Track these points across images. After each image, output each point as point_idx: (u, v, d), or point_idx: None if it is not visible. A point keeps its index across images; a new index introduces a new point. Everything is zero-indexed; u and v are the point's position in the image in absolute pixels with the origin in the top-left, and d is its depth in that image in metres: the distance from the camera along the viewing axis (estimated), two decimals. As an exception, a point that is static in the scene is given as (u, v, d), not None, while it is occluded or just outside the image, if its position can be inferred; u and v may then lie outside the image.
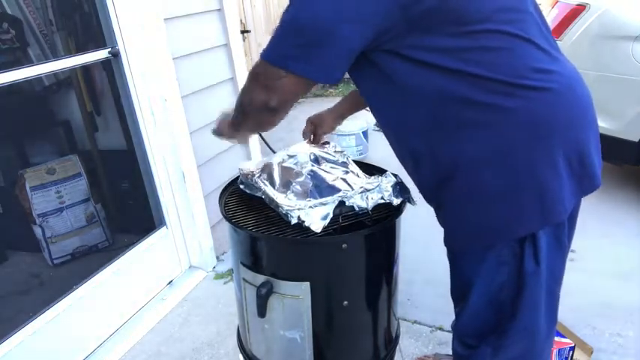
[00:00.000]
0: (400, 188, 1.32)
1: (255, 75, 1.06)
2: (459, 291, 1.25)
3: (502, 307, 1.17)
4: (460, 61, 0.97)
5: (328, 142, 1.56)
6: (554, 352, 1.65)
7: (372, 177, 1.36)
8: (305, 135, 1.58)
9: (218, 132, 1.40)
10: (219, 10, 2.52)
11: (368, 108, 1.24)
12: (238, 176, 1.49)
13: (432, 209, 1.33)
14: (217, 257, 2.65)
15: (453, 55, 0.97)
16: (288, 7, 0.99)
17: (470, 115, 1.01)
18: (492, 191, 1.05)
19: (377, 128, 4.64)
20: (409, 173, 1.22)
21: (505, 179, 1.04)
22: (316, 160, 1.37)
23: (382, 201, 1.28)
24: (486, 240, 1.11)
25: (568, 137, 1.05)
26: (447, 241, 1.19)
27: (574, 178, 1.07)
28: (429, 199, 1.20)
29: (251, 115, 1.12)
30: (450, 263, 1.26)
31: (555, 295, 1.22)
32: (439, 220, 1.21)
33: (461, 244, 1.16)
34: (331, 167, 1.37)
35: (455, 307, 1.33)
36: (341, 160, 1.43)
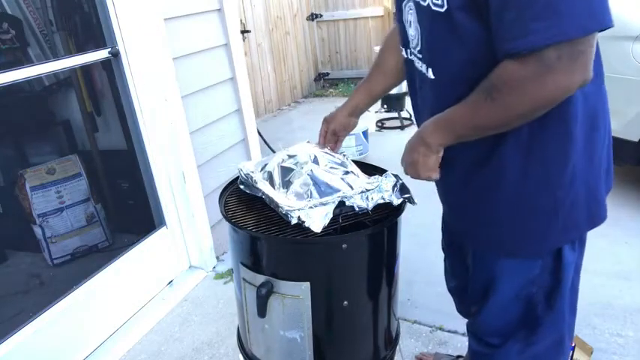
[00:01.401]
0: (400, 188, 1.32)
1: (561, 59, 0.80)
2: (481, 290, 1.22)
3: (531, 301, 1.15)
4: None
5: (331, 147, 1.49)
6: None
7: (372, 177, 1.36)
8: (320, 134, 1.51)
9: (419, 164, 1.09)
10: (219, 10, 2.52)
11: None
12: (238, 176, 1.49)
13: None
14: (217, 257, 2.65)
15: None
16: None
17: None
18: (556, 199, 1.02)
19: (377, 128, 4.64)
20: (456, 188, 1.14)
21: (567, 185, 1.02)
22: (316, 160, 1.37)
23: (382, 201, 1.28)
24: (542, 247, 1.08)
25: (608, 133, 1.07)
26: (486, 247, 1.16)
27: (605, 179, 1.10)
28: (466, 209, 1.16)
29: (542, 109, 0.88)
30: (472, 263, 1.23)
31: (576, 289, 1.21)
32: (467, 225, 1.19)
33: (509, 251, 1.12)
34: (331, 167, 1.37)
35: (471, 306, 1.31)
36: (341, 160, 1.43)
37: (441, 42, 0.97)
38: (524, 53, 0.81)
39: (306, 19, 6.31)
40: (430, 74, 1.04)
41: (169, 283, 2.48)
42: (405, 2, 1.06)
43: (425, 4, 0.95)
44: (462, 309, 1.53)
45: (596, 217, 1.09)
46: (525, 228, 1.07)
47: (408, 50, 1.13)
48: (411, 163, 1.10)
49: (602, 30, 0.81)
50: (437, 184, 1.24)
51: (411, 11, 1.04)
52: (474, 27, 0.89)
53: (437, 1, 0.92)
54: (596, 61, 0.96)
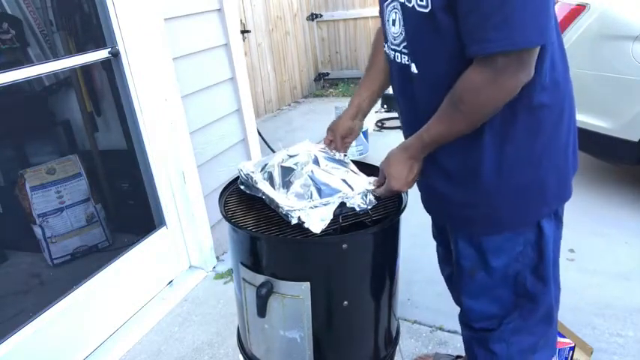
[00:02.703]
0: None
1: (507, 68, 0.96)
2: (467, 273, 1.25)
3: (519, 278, 1.21)
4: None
5: (342, 152, 1.46)
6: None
7: (372, 177, 1.36)
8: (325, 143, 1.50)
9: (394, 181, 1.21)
10: (219, 10, 2.52)
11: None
12: (238, 176, 1.49)
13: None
14: (217, 257, 2.65)
15: None
16: None
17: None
18: (529, 178, 1.13)
19: (377, 128, 4.64)
20: (447, 168, 1.19)
21: (536, 166, 1.12)
22: (316, 161, 1.37)
23: (382, 201, 1.28)
24: (518, 224, 1.17)
25: (573, 120, 1.18)
26: (467, 227, 1.21)
27: (572, 161, 1.21)
28: (446, 194, 1.21)
29: (500, 107, 1.02)
30: (457, 245, 1.25)
31: (557, 263, 1.27)
32: (447, 209, 1.24)
33: (490, 230, 1.18)
34: (331, 167, 1.37)
35: (458, 293, 1.33)
36: (341, 160, 1.43)
37: (425, 40, 1.06)
38: (480, 57, 0.96)
39: (306, 19, 6.31)
40: (414, 69, 1.12)
41: (169, 283, 2.48)
42: (387, 3, 1.15)
43: (410, 5, 1.03)
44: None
45: (563, 195, 1.20)
46: (502, 206, 1.15)
47: (391, 46, 1.18)
48: (404, 177, 1.20)
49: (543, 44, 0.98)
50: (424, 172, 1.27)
51: (395, 10, 1.11)
52: (454, 26, 0.98)
53: (421, 2, 1.01)
54: (562, 55, 1.11)
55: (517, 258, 1.19)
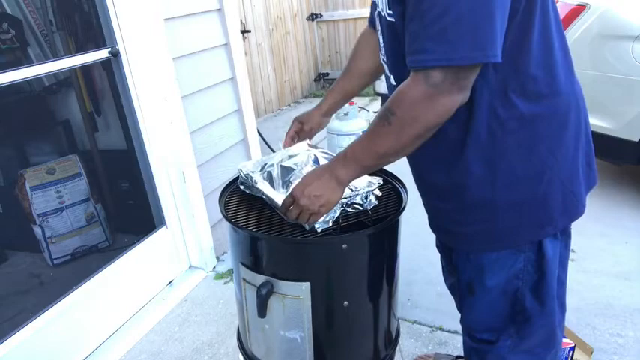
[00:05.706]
0: (399, 188, 1.32)
1: (442, 86, 0.88)
2: (466, 286, 1.23)
3: (517, 295, 1.17)
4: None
5: (308, 140, 1.51)
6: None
7: (372, 177, 1.36)
8: (287, 135, 1.50)
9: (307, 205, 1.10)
10: (219, 10, 2.52)
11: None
12: (238, 176, 1.49)
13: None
14: (217, 257, 2.65)
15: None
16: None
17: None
18: (528, 194, 1.06)
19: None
20: (438, 178, 1.14)
21: (536, 181, 1.05)
22: (316, 161, 1.37)
23: (382, 201, 1.28)
24: (517, 243, 1.11)
25: (584, 129, 1.12)
26: (464, 243, 1.17)
27: (586, 175, 1.13)
28: (439, 211, 1.19)
29: (431, 129, 0.95)
30: (456, 260, 1.24)
31: (563, 282, 1.23)
32: (443, 225, 1.22)
33: (488, 247, 1.13)
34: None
35: (460, 302, 1.32)
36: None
37: (396, 50, 1.02)
38: (416, 70, 0.89)
39: (306, 19, 6.31)
40: (392, 81, 1.10)
41: (169, 283, 2.48)
42: (377, 12, 1.12)
43: (383, 14, 1.01)
44: None
45: (573, 212, 1.11)
46: (499, 223, 1.09)
47: (382, 57, 1.17)
48: (316, 198, 1.08)
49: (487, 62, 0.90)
50: (418, 189, 1.26)
51: (380, 20, 1.09)
52: None
53: (390, 12, 0.97)
54: (564, 60, 1.04)
55: (517, 275, 1.14)
